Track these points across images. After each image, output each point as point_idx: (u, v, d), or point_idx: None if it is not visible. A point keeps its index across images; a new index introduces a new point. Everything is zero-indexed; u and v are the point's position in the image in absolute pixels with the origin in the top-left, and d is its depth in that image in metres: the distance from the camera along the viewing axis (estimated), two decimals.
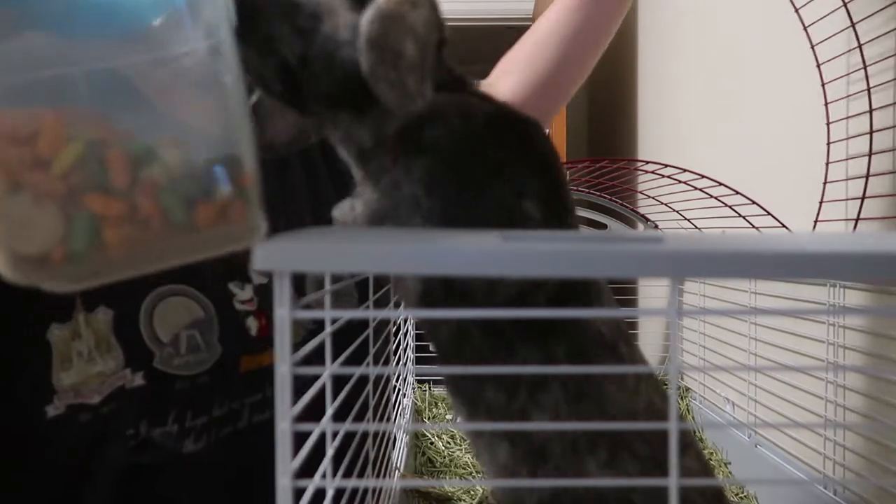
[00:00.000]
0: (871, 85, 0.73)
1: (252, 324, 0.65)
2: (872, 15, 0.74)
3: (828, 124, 0.81)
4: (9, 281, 0.32)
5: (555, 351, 0.43)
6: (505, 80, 0.77)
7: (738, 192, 1.02)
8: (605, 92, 2.37)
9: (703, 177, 1.10)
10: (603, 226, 1.46)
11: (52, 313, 0.57)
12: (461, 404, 0.46)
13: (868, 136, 0.74)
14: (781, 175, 1.00)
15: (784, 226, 0.94)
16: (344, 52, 0.42)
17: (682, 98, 1.55)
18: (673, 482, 0.26)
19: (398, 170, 0.44)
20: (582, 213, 1.42)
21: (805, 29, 0.81)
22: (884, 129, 0.74)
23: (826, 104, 0.81)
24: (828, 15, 0.78)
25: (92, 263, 0.33)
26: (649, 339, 1.53)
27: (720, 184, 1.07)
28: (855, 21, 0.74)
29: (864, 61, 0.73)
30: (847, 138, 0.81)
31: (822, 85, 0.81)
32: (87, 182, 0.32)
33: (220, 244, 0.36)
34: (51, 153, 0.32)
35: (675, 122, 1.58)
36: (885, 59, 0.73)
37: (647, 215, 1.43)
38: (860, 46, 0.74)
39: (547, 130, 2.37)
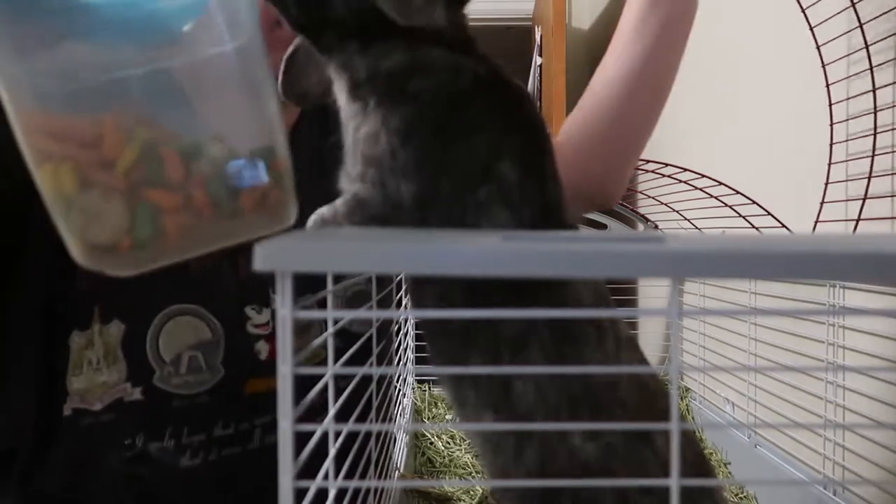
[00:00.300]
0: (876, 85, 0.73)
1: (262, 347, 0.66)
2: (878, 17, 0.74)
3: (831, 125, 0.81)
4: (79, 267, 0.36)
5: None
6: (567, 136, 0.71)
7: (738, 192, 1.02)
8: None
9: (703, 177, 1.11)
10: (603, 226, 1.46)
11: (77, 320, 0.60)
12: (448, 377, 0.47)
13: (872, 136, 0.74)
14: (782, 175, 1.00)
15: (784, 226, 0.94)
16: None
17: (682, 98, 1.55)
18: (674, 482, 0.26)
19: (377, 117, 0.44)
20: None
21: (811, 29, 0.80)
22: (886, 129, 0.74)
23: (830, 105, 0.81)
24: (834, 17, 0.79)
25: (153, 250, 0.37)
26: (649, 339, 1.53)
27: (720, 184, 1.07)
28: (861, 18, 0.74)
29: (870, 62, 0.73)
30: (847, 139, 0.81)
31: (827, 86, 0.81)
32: (146, 178, 0.37)
33: (261, 228, 0.40)
34: (114, 154, 0.36)
35: (676, 122, 1.58)
36: (889, 62, 0.73)
37: (647, 215, 1.43)
38: (867, 47, 0.74)
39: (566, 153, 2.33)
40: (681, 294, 1.28)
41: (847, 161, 0.80)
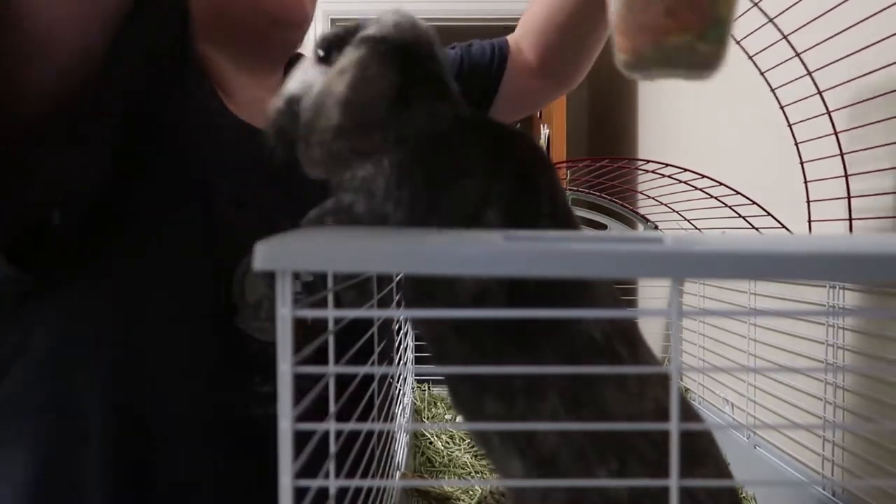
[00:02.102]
0: (821, 88, 0.74)
1: None
2: None
3: (789, 126, 0.82)
4: None
5: (544, 357, 0.42)
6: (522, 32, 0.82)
7: (738, 193, 1.02)
8: (606, 92, 2.37)
9: (703, 177, 1.11)
10: (603, 226, 1.46)
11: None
12: (465, 417, 0.46)
13: (833, 135, 0.75)
14: (782, 175, 1.01)
15: (784, 226, 0.94)
16: None
17: (682, 97, 1.56)
18: (673, 483, 0.26)
19: (372, 164, 0.45)
20: (582, 213, 1.42)
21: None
22: (844, 130, 0.74)
23: (782, 107, 0.82)
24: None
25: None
26: (649, 340, 1.53)
27: (720, 184, 1.07)
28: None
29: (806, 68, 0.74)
30: (809, 140, 0.82)
31: (772, 90, 0.81)
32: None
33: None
34: None
35: (675, 122, 1.58)
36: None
37: (647, 215, 1.43)
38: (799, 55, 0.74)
39: (545, 131, 2.32)
40: (681, 294, 1.28)
41: (816, 160, 0.81)
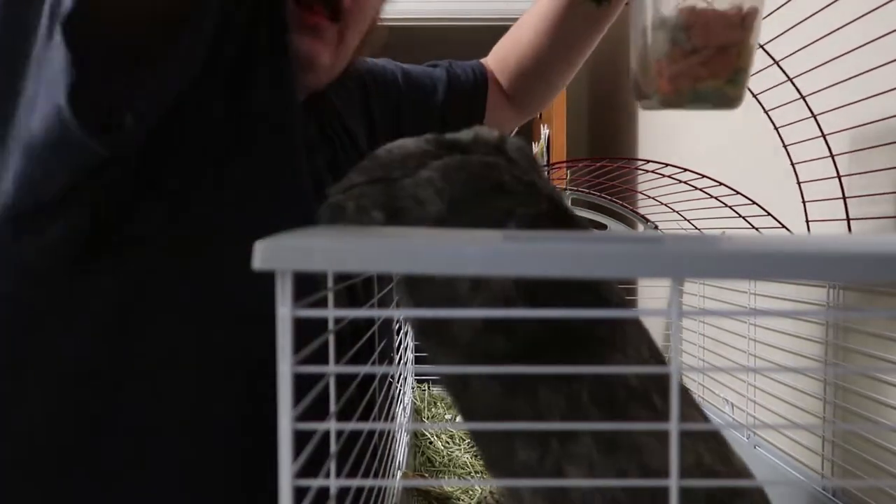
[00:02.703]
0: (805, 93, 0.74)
1: None
2: None
3: (776, 128, 0.82)
4: None
5: (579, 394, 0.41)
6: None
7: (738, 192, 1.02)
8: (606, 91, 2.37)
9: (703, 177, 1.11)
10: (603, 226, 1.46)
11: None
12: (493, 473, 0.45)
13: (821, 138, 0.75)
14: (781, 175, 1.00)
15: (784, 226, 0.94)
16: None
17: None
18: (673, 483, 0.26)
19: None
20: (582, 213, 1.42)
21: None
22: (833, 132, 0.74)
23: (766, 112, 0.82)
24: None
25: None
26: None
27: (720, 184, 1.07)
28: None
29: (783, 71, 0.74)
30: (797, 142, 0.82)
31: (754, 96, 0.81)
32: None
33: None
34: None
35: (675, 122, 1.58)
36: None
37: (647, 215, 1.43)
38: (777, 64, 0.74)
39: (545, 131, 2.31)
40: (681, 294, 1.28)
41: (809, 161, 0.81)
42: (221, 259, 0.52)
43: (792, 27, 0.73)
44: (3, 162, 0.50)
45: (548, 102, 0.91)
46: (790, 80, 0.75)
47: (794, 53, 0.74)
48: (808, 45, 0.72)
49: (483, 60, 0.88)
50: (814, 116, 0.75)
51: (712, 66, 0.47)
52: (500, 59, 0.87)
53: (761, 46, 0.73)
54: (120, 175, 0.53)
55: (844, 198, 0.75)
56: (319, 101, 0.71)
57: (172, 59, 0.50)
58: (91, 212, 0.53)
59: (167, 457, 0.56)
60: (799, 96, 0.75)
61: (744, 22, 0.47)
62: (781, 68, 0.76)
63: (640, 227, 1.49)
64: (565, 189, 1.44)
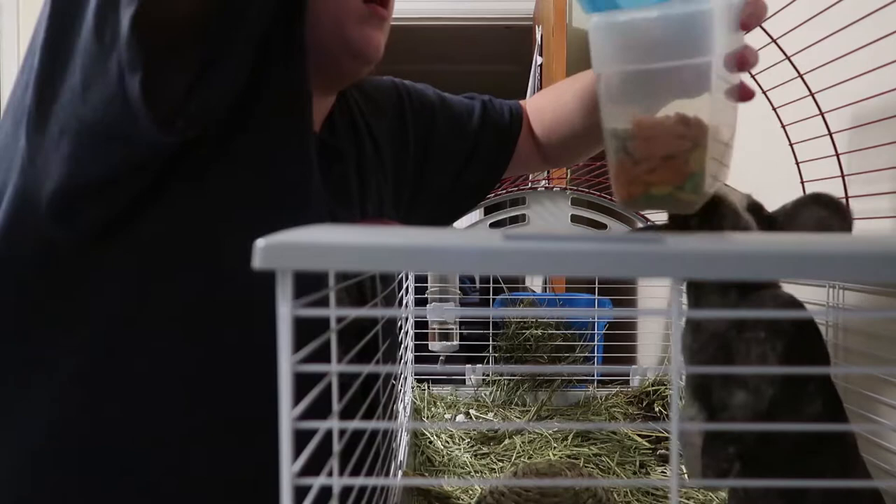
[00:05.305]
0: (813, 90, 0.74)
1: None
2: None
3: (783, 127, 0.83)
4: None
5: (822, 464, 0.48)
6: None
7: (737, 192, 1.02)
8: None
9: None
10: (603, 226, 1.46)
11: None
12: None
13: (828, 136, 0.75)
14: (781, 175, 1.00)
15: None
16: None
17: None
18: (673, 482, 0.26)
19: None
20: (582, 213, 1.42)
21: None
22: (839, 131, 0.74)
23: (774, 109, 0.82)
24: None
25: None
26: (649, 339, 1.53)
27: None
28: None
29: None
30: (804, 140, 0.81)
31: (764, 92, 0.81)
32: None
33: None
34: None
35: None
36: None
37: (647, 215, 1.43)
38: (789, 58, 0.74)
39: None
40: (681, 294, 1.28)
41: (814, 160, 0.81)
42: (226, 260, 0.52)
43: (788, 4, 0.73)
44: (39, 145, 0.51)
45: (572, 163, 0.92)
46: (788, 58, 0.75)
47: (791, 31, 0.75)
48: (805, 21, 0.72)
49: (522, 102, 0.89)
50: (811, 95, 0.75)
51: (661, 174, 0.49)
52: (538, 108, 0.88)
53: (773, 42, 0.73)
54: (158, 172, 0.54)
55: (843, 176, 0.75)
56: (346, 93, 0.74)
57: (231, 55, 0.52)
58: (118, 206, 0.54)
59: (167, 457, 0.56)
60: (797, 75, 0.75)
61: (691, 130, 0.49)
62: (779, 47, 0.76)
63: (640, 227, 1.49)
64: (565, 189, 1.44)
